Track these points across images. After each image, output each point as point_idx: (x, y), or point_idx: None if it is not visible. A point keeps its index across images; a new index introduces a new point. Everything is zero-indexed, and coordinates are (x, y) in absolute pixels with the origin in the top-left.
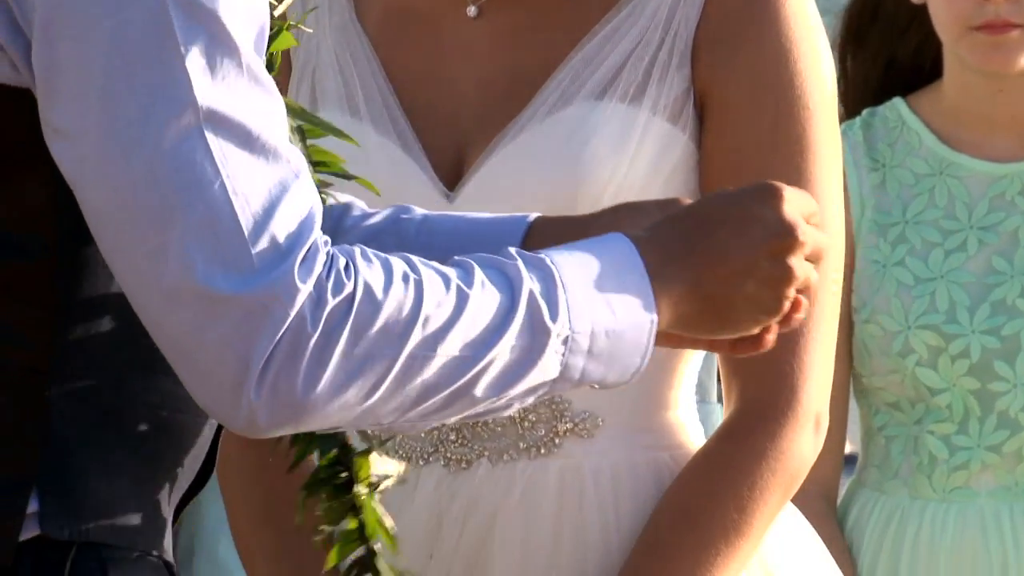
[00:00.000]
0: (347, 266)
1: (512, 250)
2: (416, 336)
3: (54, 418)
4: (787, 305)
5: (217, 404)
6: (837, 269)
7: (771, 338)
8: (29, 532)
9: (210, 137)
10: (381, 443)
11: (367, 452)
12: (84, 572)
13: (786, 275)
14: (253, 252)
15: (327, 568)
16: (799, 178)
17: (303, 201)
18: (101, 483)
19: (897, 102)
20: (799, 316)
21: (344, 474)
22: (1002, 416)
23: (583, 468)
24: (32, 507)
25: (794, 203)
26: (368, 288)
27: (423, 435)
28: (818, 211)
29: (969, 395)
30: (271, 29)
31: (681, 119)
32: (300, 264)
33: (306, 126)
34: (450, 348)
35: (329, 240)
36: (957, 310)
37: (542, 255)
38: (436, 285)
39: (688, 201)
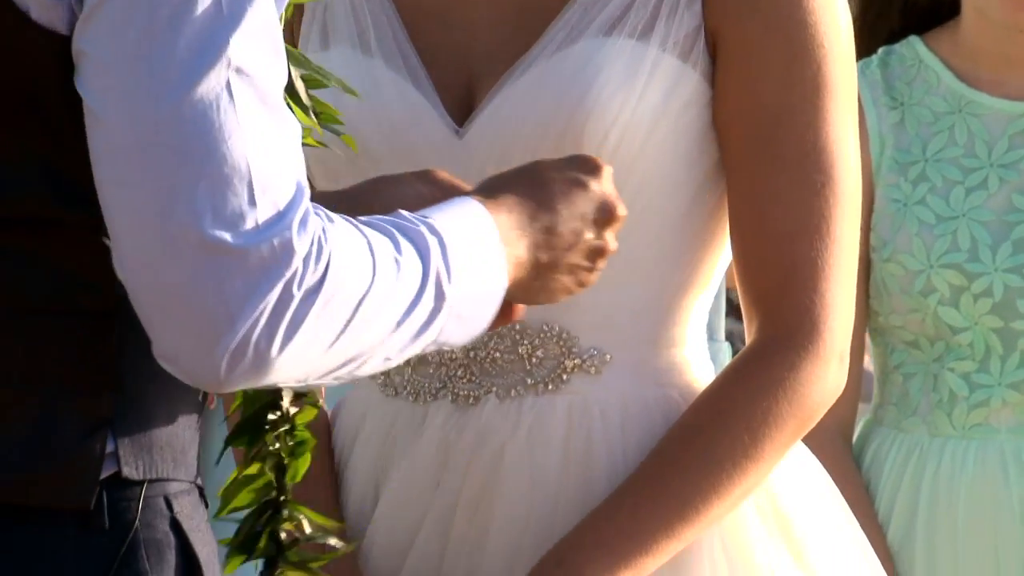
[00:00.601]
0: (323, 232)
1: (406, 213)
2: (366, 303)
3: (123, 361)
4: (595, 278)
5: (189, 354)
6: (857, 208)
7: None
8: (106, 472)
9: (236, 90)
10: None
11: (315, 404)
12: (153, 507)
13: (604, 248)
14: (259, 208)
15: (221, 513)
16: (815, 116)
17: (301, 164)
18: (164, 420)
19: (914, 40)
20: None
21: (279, 415)
22: None
23: (590, 404)
24: (108, 447)
25: (610, 178)
26: (338, 254)
27: (431, 371)
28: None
29: (991, 333)
30: None
31: (691, 56)
32: (298, 226)
33: (308, 75)
34: (387, 314)
35: (310, 205)
36: (979, 248)
37: (429, 220)
38: (383, 253)
39: (443, 173)
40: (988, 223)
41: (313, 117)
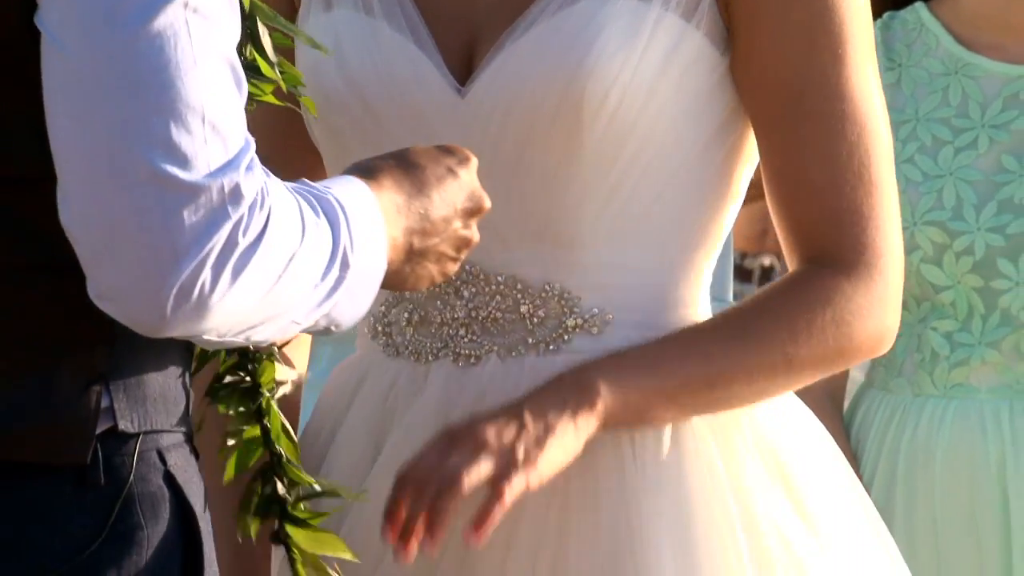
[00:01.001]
0: (265, 184)
1: (311, 183)
2: (295, 260)
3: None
4: (455, 268)
5: (133, 291)
6: (891, 151)
7: None
8: (101, 427)
9: (194, 28)
10: (280, 347)
11: (270, 356)
12: (147, 461)
13: (469, 240)
14: (211, 148)
15: (228, 478)
16: (841, 67)
17: (242, 111)
18: (157, 372)
19: (918, 6)
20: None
21: (248, 379)
22: (1005, 314)
23: None
24: (104, 402)
25: (475, 170)
26: (277, 208)
27: (433, 331)
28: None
29: (973, 292)
30: None
31: (696, 16)
32: (247, 171)
33: (276, 35)
34: (309, 275)
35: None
36: (964, 207)
37: (329, 189)
38: (308, 215)
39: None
40: (975, 183)
41: (278, 73)
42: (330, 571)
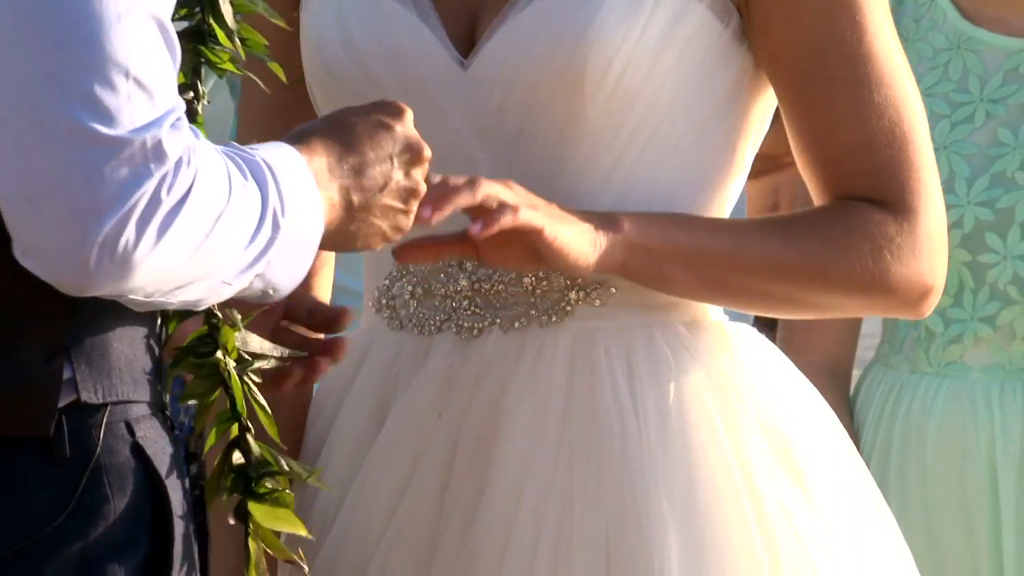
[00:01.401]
0: (192, 145)
1: (239, 145)
2: (223, 220)
3: None
4: (410, 221)
5: (56, 247)
6: (920, 108)
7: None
8: (65, 399)
9: None
10: (249, 317)
11: (234, 325)
12: (115, 432)
13: (415, 189)
14: (135, 104)
15: (207, 448)
16: (860, 31)
17: (172, 71)
18: (122, 343)
19: None
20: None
21: (210, 346)
22: (993, 288)
23: (595, 336)
24: (66, 374)
25: (412, 121)
26: (203, 167)
27: (436, 304)
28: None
29: (963, 267)
30: None
31: None
32: (172, 129)
33: (237, 1)
34: (237, 235)
35: (184, 117)
36: (956, 181)
37: (260, 153)
38: (236, 176)
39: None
40: (969, 156)
41: (238, 42)
42: (291, 554)
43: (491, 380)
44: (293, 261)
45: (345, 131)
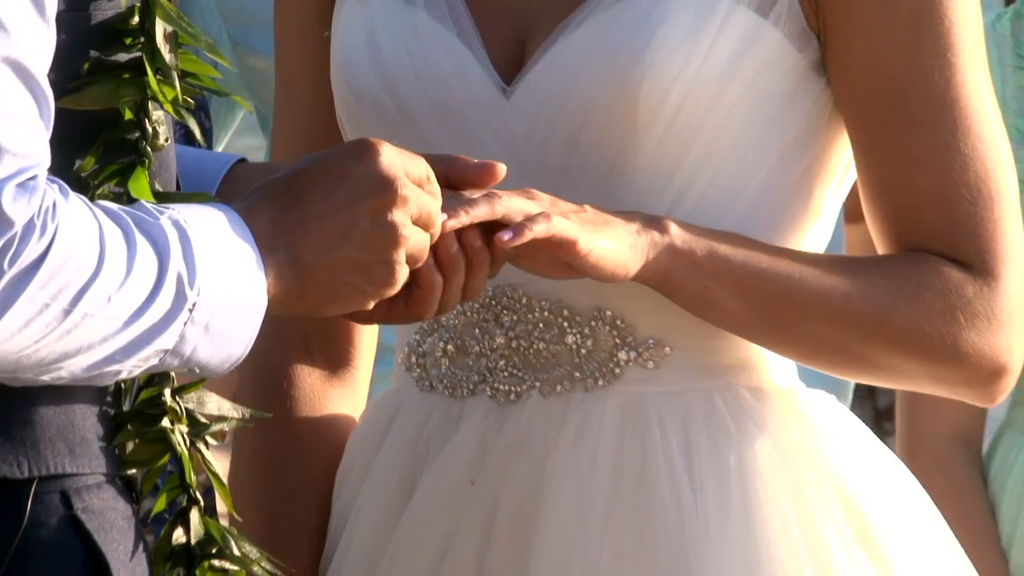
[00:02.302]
0: (53, 206)
1: (149, 205)
2: (90, 293)
3: None
4: (400, 272)
5: None
6: (1010, 159)
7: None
8: None
9: None
10: (203, 381)
11: (185, 388)
12: (48, 505)
13: (390, 236)
14: None
15: (154, 513)
16: (949, 71)
17: (33, 123)
18: (54, 411)
19: None
20: (430, 297)
21: (158, 408)
22: None
23: (647, 403)
24: None
25: (394, 159)
26: (65, 237)
27: (470, 363)
28: (431, 175)
29: None
30: None
31: (773, 11)
32: (14, 192)
33: (180, 33)
34: (114, 309)
35: (45, 174)
36: None
37: (174, 213)
38: (114, 241)
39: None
40: None
41: (174, 79)
42: None
43: (530, 452)
44: (223, 336)
45: (297, 181)
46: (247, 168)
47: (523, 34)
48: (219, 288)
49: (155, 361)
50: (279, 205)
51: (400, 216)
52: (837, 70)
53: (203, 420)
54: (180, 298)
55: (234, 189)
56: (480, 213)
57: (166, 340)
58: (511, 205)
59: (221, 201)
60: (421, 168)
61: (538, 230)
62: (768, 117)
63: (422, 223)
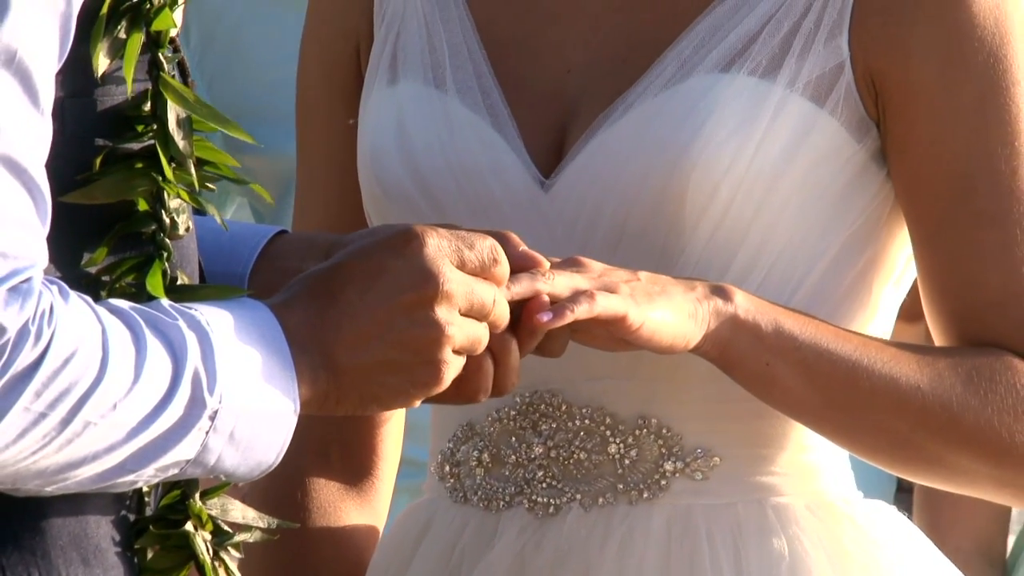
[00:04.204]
0: (50, 310)
1: (166, 303)
2: (93, 400)
3: None
4: (447, 371)
5: None
6: None
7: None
8: None
9: None
10: (227, 486)
11: (209, 492)
12: None
13: (432, 335)
14: None
15: None
16: (1017, 162)
17: (28, 222)
18: (68, 519)
19: None
20: (486, 384)
21: (180, 513)
22: None
23: (695, 516)
24: None
25: (439, 250)
26: (62, 342)
27: (507, 474)
28: (498, 255)
29: None
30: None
31: (829, 100)
32: (6, 296)
33: (194, 117)
34: (121, 417)
35: (41, 275)
36: None
37: (196, 313)
38: (120, 345)
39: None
40: None
41: (190, 167)
42: None
43: (571, 569)
44: (250, 445)
45: (337, 275)
46: (286, 241)
47: (562, 120)
48: (244, 393)
49: (175, 471)
50: (317, 301)
51: (444, 313)
52: (898, 161)
53: (227, 529)
54: (197, 405)
55: (272, 266)
56: (521, 290)
57: (185, 450)
58: (557, 283)
59: (254, 287)
60: (482, 252)
61: (580, 311)
62: (824, 212)
63: (475, 313)
